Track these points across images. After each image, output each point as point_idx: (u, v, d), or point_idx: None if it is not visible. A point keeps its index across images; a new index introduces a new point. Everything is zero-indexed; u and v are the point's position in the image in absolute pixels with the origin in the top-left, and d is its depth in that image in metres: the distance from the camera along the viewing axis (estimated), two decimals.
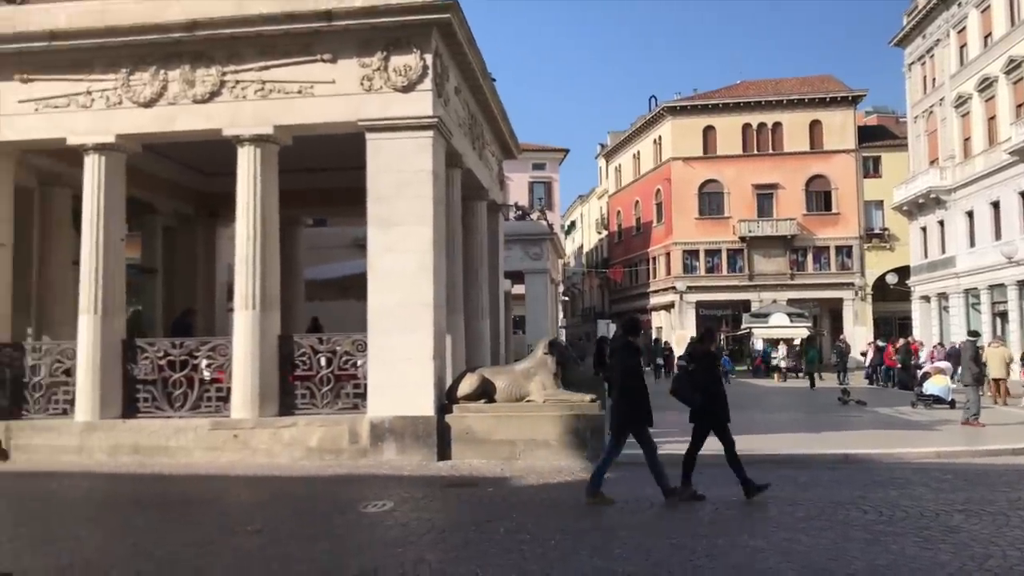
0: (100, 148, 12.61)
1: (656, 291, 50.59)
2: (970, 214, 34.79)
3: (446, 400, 12.14)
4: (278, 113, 12.28)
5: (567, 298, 63.62)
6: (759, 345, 39.05)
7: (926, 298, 39.30)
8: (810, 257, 46.92)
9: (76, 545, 7.29)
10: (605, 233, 61.73)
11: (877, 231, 46.81)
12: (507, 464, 11.31)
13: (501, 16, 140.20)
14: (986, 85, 33.31)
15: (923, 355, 27.82)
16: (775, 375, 34.26)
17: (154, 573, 6.42)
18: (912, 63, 40.98)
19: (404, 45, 11.99)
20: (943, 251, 37.22)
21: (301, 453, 11.82)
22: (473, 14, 12.46)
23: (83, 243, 12.65)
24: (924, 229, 39.48)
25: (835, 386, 25.95)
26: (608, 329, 40.06)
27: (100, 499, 10.12)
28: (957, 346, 23.41)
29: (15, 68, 12.68)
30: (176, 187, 17.75)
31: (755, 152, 47.45)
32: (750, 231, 46.46)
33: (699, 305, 47.14)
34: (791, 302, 44.01)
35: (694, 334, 41.82)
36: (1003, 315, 32.69)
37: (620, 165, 58.23)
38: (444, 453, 11.64)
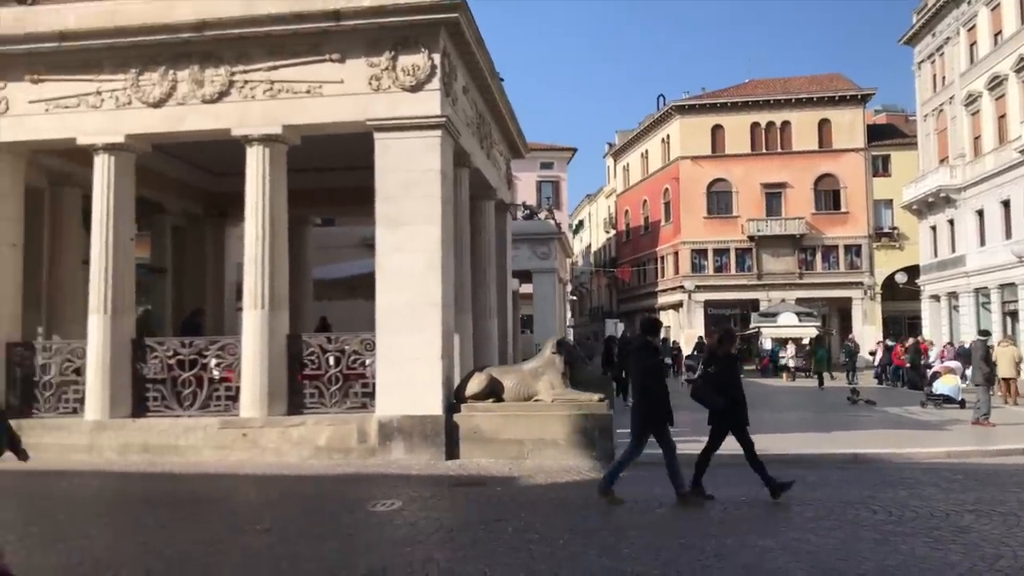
0: (110, 148, 12.67)
1: (664, 290, 50.52)
2: (980, 213, 34.61)
3: (454, 399, 12.14)
4: (287, 113, 12.31)
5: (575, 297, 63.60)
6: (768, 345, 38.95)
7: (936, 297, 39.12)
8: (819, 256, 46.77)
9: (86, 543, 7.33)
10: (613, 232, 61.65)
11: (886, 230, 46.61)
12: (515, 463, 11.30)
13: (509, 15, 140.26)
14: (996, 83, 33.13)
15: (932, 354, 27.70)
16: (784, 374, 34.17)
17: (164, 572, 6.44)
18: (922, 61, 40.78)
19: (412, 45, 12.00)
20: (953, 250, 37.04)
21: (310, 452, 11.85)
22: (481, 13, 12.49)
23: (93, 243, 12.71)
24: (934, 228, 39.30)
25: (844, 385, 25.88)
26: (616, 328, 40.05)
27: (110, 498, 10.16)
28: (967, 346, 23.34)
29: (25, 69, 12.75)
30: (185, 187, 17.82)
31: (764, 151, 47.32)
32: (759, 230, 46.33)
33: (707, 304, 47.05)
34: (800, 301, 43.87)
35: (702, 333, 41.74)
36: (1013, 314, 32.51)
37: (628, 164, 58.15)
38: (452, 452, 11.65)
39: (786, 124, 47.05)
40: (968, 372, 19.34)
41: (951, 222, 37.34)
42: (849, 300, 46.11)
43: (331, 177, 16.54)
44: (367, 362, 12.21)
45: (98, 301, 12.52)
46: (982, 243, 34.33)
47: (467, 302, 14.80)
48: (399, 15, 11.87)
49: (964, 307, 35.88)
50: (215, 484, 10.58)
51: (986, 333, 19.19)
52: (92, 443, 12.23)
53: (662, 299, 50.61)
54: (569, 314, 52.15)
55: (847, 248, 46.49)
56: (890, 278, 44.01)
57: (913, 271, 41.70)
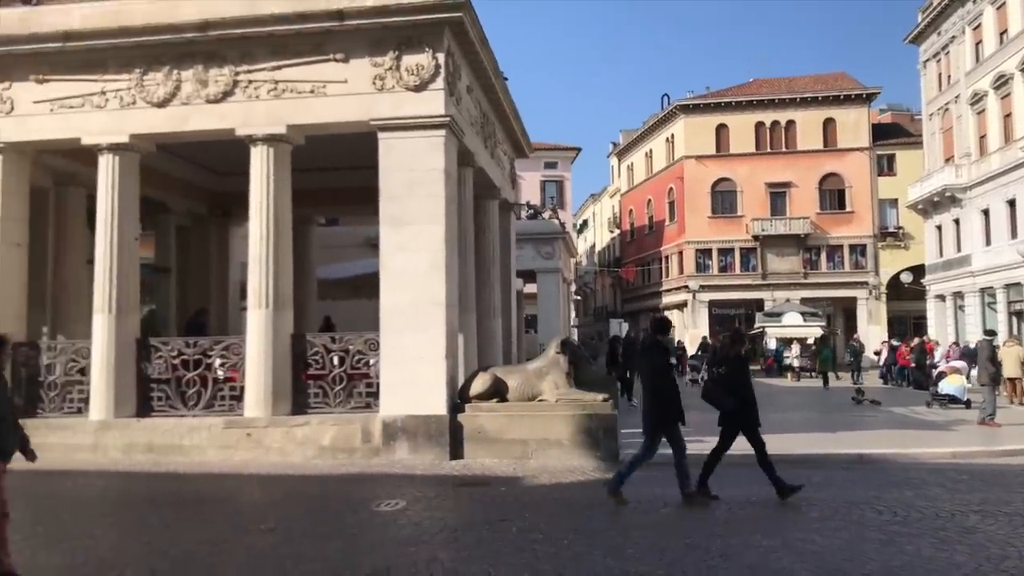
0: (114, 148, 12.70)
1: (669, 290, 50.44)
2: (986, 212, 34.49)
3: (458, 399, 12.14)
4: (291, 113, 12.31)
5: (579, 297, 63.59)
6: (772, 344, 38.89)
7: (941, 297, 39.01)
8: (824, 256, 46.64)
9: (91, 543, 7.35)
10: (617, 232, 61.59)
11: (891, 229, 46.47)
12: (519, 463, 11.30)
13: (513, 15, 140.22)
14: (1002, 82, 33.02)
15: (938, 354, 27.62)
16: (788, 374, 34.11)
17: (168, 571, 6.45)
18: (927, 60, 40.67)
19: (416, 44, 12.00)
20: (958, 250, 36.92)
21: (314, 452, 11.85)
22: (485, 13, 12.47)
23: (97, 242, 12.74)
24: (939, 227, 39.19)
25: (849, 385, 25.83)
26: (620, 328, 39.94)
27: (114, 497, 10.18)
28: (972, 346, 23.26)
29: (30, 69, 12.78)
30: (189, 187, 17.84)
31: (768, 150, 47.21)
32: (763, 230, 46.24)
33: (712, 304, 46.96)
34: (804, 301, 43.73)
35: (706, 333, 41.59)
36: (1019, 314, 32.39)
37: (632, 164, 58.09)
38: (456, 452, 11.64)
39: (791, 123, 46.94)
40: (974, 372, 19.28)
41: (957, 221, 37.23)
42: (854, 300, 45.99)
43: (335, 177, 16.55)
44: (371, 362, 12.21)
45: (102, 301, 12.54)
46: (988, 243, 34.22)
47: (471, 302, 14.79)
48: (403, 15, 11.87)
49: (970, 307, 35.77)
50: (219, 484, 10.59)
51: (992, 333, 19.15)
52: (97, 443, 12.25)
53: (666, 299, 50.52)
54: (573, 314, 52.20)
55: (852, 248, 46.36)
56: (895, 278, 43.87)
57: (918, 271, 41.58)
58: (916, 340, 30.86)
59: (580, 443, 11.56)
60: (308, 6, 11.99)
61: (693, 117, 48.12)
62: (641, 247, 55.54)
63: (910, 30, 41.49)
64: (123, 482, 10.94)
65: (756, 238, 46.40)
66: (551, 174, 52.29)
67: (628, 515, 8.16)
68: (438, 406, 11.71)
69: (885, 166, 47.04)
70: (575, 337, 40.72)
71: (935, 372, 22.49)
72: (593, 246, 71.01)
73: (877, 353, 33.94)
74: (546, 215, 34.01)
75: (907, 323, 44.96)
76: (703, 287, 46.89)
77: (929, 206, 39.21)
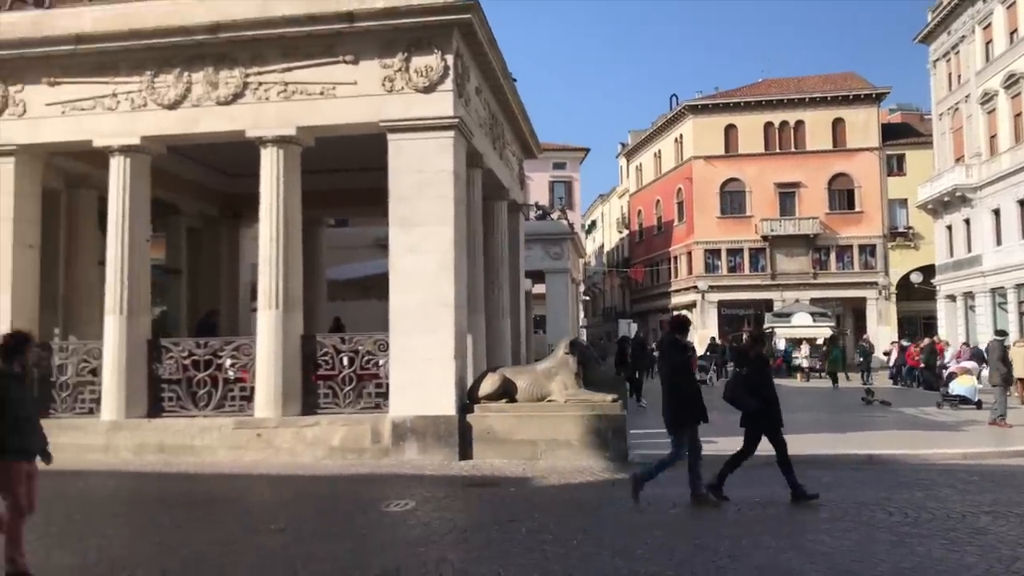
0: (125, 150, 12.76)
1: (678, 290, 50.37)
2: (996, 212, 34.33)
3: (467, 400, 12.15)
4: (301, 114, 12.35)
5: (588, 298, 63.49)
6: (781, 345, 38.79)
7: (951, 297, 38.83)
8: (833, 256, 46.52)
9: (103, 543, 7.39)
10: (626, 232, 61.55)
11: (901, 230, 46.31)
12: (529, 464, 11.30)
13: (522, 16, 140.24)
14: (1012, 82, 32.87)
15: (948, 355, 27.49)
16: (798, 375, 34.01)
17: (179, 571, 6.49)
18: (937, 60, 40.50)
19: (425, 46, 12.02)
20: (969, 250, 36.76)
21: (324, 452, 11.88)
22: (494, 14, 12.50)
23: (109, 244, 12.80)
24: (949, 227, 39.03)
25: (858, 386, 25.71)
26: (629, 329, 39.94)
27: (126, 498, 10.23)
28: (982, 346, 23.14)
29: (42, 71, 12.85)
30: (200, 188, 17.92)
31: (777, 151, 47.11)
32: (772, 230, 46.14)
33: (721, 305, 46.89)
34: (814, 301, 43.61)
35: (715, 334, 41.46)
36: None
37: (641, 164, 58.04)
38: (465, 453, 11.65)
39: (800, 123, 46.83)
40: (984, 373, 19.18)
41: (967, 221, 37.06)
42: (864, 300, 45.84)
43: (345, 178, 16.58)
44: (380, 362, 12.24)
45: (114, 302, 12.61)
46: (998, 242, 34.06)
47: (480, 302, 14.81)
48: (412, 16, 11.90)
49: (980, 307, 35.60)
50: (230, 484, 10.64)
51: (1003, 333, 19.04)
52: (108, 443, 12.32)
53: (675, 299, 50.46)
54: (582, 314, 52.10)
55: (861, 248, 46.22)
56: (905, 278, 43.70)
57: (928, 271, 41.43)
58: (926, 340, 30.73)
59: (589, 444, 11.55)
60: (319, 8, 12.02)
61: (702, 117, 48.07)
62: (650, 247, 55.48)
63: (920, 29, 41.35)
64: (134, 482, 10.99)
65: (765, 238, 46.31)
66: (560, 174, 52.34)
67: (637, 515, 8.16)
68: (447, 407, 11.72)
69: (895, 166, 46.87)
70: (584, 337, 40.70)
71: (946, 373, 22.39)
72: (602, 246, 70.98)
73: (887, 354, 33.81)
74: (555, 216, 34.03)
75: (917, 323, 44.81)
76: (712, 287, 46.84)
77: (939, 206, 39.05)
